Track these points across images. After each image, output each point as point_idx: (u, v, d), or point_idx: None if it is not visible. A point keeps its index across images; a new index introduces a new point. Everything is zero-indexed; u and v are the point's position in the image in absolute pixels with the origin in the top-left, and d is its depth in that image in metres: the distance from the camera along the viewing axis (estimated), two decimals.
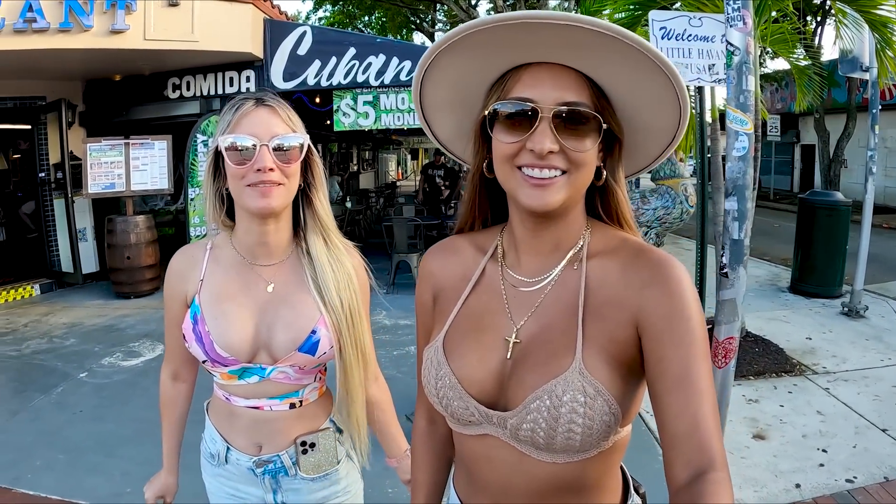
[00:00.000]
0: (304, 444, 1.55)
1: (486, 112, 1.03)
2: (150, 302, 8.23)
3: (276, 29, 8.29)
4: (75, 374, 5.55)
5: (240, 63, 8.41)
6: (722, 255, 2.94)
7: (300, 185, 1.49)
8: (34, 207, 10.01)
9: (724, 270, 2.91)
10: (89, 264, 9.43)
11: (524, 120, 0.96)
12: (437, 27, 25.36)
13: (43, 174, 9.13)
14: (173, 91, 8.98)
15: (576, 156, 0.97)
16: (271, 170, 1.37)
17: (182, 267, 1.55)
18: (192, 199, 8.48)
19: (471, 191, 1.17)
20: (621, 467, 1.17)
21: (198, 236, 8.43)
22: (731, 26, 2.69)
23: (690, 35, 4.41)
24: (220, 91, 8.73)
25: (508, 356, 1.05)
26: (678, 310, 0.93)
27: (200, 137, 8.40)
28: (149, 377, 5.42)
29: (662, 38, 4.42)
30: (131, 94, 9.15)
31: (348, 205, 12.10)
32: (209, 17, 7.53)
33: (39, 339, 6.64)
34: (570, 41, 0.93)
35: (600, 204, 1.11)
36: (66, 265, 9.22)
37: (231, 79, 8.61)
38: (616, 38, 0.90)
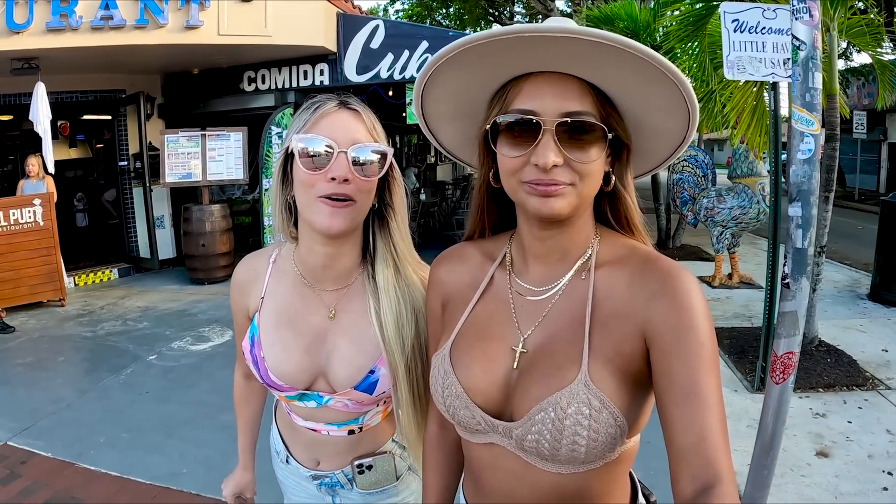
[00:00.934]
0: (360, 466, 1.48)
1: (488, 125, 1.01)
2: (222, 288, 8.49)
3: (348, 23, 8.42)
4: (145, 357, 5.78)
5: (314, 57, 8.59)
6: (784, 265, 2.79)
7: (373, 205, 1.33)
8: (115, 195, 10.46)
9: (786, 281, 2.76)
10: (166, 250, 9.82)
11: (527, 133, 0.94)
12: (515, 20, 25.17)
13: (123, 163, 9.54)
14: (249, 84, 9.26)
15: (581, 167, 0.94)
16: (346, 181, 1.21)
17: (244, 280, 1.48)
18: (266, 190, 8.70)
19: (478, 200, 1.16)
20: (630, 474, 1.15)
21: (271, 226, 8.65)
22: (796, 19, 2.54)
23: (764, 28, 4.21)
24: (294, 84, 8.96)
25: (515, 366, 1.04)
26: (686, 322, 0.91)
27: (275, 129, 8.63)
28: (215, 362, 5.62)
29: (735, 30, 4.24)
30: (208, 86, 9.48)
31: (422, 197, 12.13)
32: (281, 13, 7.72)
33: (114, 322, 6.96)
34: (570, 52, 0.91)
35: (609, 210, 1.09)
36: (144, 251, 9.62)
37: (305, 72, 8.80)
38: (617, 47, 0.87)
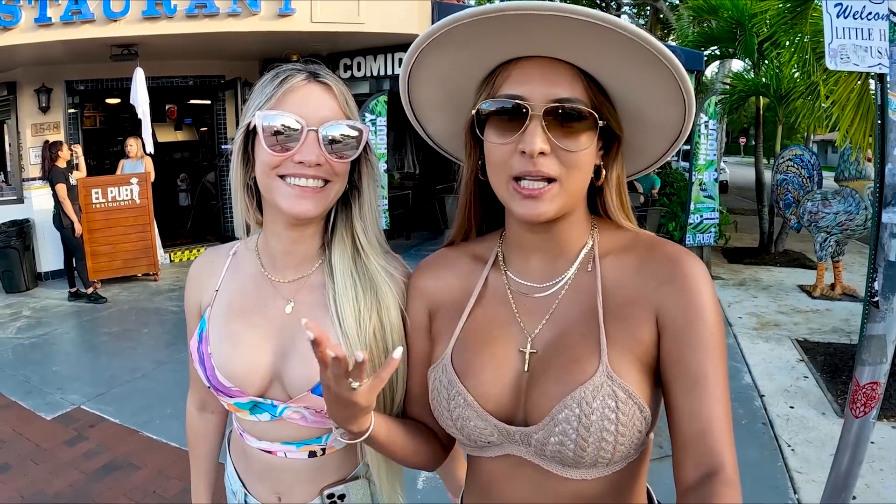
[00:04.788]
0: (331, 496, 1.26)
1: (474, 111, 0.96)
2: None
3: (443, 11, 8.35)
4: None
5: (408, 44, 8.54)
6: (874, 281, 2.49)
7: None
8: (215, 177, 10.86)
9: (875, 299, 2.45)
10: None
11: (514, 119, 0.90)
12: (623, 10, 24.48)
13: (225, 146, 9.89)
14: (345, 71, 9.39)
15: (569, 157, 0.90)
16: (318, 164, 1.08)
17: (200, 274, 1.34)
18: None
19: (465, 196, 1.10)
20: (647, 490, 1.08)
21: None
22: None
23: (871, 13, 3.83)
24: (389, 72, 9.03)
25: (525, 368, 0.98)
26: (697, 309, 0.90)
27: (368, 116, 8.73)
28: None
29: (838, 16, 3.88)
30: None
31: None
32: (374, 0, 7.74)
33: None
34: (558, 35, 0.85)
35: (600, 202, 1.04)
36: (238, 231, 9.82)
37: (400, 60, 8.76)
38: (607, 27, 0.81)
